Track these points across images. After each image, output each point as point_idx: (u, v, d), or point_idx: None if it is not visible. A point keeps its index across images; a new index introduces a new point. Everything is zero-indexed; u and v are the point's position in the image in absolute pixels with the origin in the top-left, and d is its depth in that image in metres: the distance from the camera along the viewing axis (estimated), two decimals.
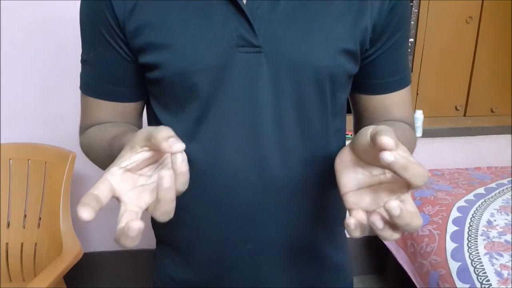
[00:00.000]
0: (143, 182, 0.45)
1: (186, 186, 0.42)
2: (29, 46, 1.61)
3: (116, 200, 0.43)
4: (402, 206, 0.40)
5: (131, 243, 0.39)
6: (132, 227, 0.38)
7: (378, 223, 0.42)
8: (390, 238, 0.43)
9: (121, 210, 0.42)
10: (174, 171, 0.40)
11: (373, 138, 0.42)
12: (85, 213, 0.38)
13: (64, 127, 1.68)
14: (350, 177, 0.48)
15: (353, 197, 0.47)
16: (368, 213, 0.45)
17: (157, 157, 0.45)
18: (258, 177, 0.61)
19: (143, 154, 0.43)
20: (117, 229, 0.40)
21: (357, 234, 0.44)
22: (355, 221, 0.43)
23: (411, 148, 0.66)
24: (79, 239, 1.46)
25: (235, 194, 0.61)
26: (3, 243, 1.52)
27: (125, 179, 0.43)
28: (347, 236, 0.77)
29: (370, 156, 0.46)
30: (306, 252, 0.69)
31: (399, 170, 0.40)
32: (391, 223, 0.42)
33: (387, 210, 0.40)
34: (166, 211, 0.41)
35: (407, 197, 0.44)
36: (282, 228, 0.65)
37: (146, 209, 0.44)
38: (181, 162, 0.40)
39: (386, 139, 0.40)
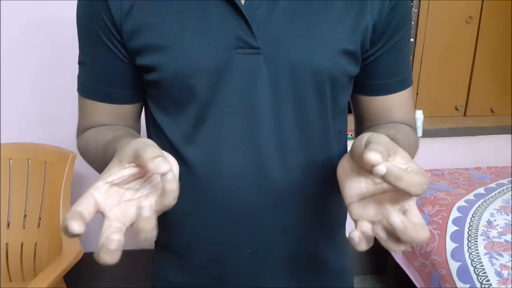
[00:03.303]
0: (129, 197, 0.44)
1: (174, 201, 0.42)
2: (28, 46, 1.61)
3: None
4: (406, 221, 0.40)
5: (110, 258, 0.38)
6: (112, 238, 0.38)
7: (382, 234, 0.42)
8: (396, 249, 0.42)
9: (104, 226, 0.41)
10: (164, 189, 0.40)
11: (363, 156, 0.41)
12: (77, 225, 0.37)
13: (64, 127, 1.68)
14: (353, 187, 0.48)
15: (358, 209, 0.47)
16: (374, 224, 0.45)
17: (145, 172, 0.44)
18: (257, 180, 0.60)
19: (130, 170, 0.43)
20: (98, 245, 0.39)
21: (362, 247, 0.44)
22: (359, 234, 0.43)
23: (412, 151, 0.66)
24: (79, 239, 1.46)
25: (234, 197, 0.61)
26: (3, 243, 1.52)
27: (110, 194, 0.42)
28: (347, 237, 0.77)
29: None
30: (306, 256, 0.68)
31: (394, 181, 0.39)
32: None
33: (391, 225, 0.40)
34: (147, 238, 0.41)
35: (411, 205, 0.44)
36: (282, 232, 0.64)
37: (131, 225, 0.43)
38: (171, 180, 0.40)
39: (373, 156, 0.39)
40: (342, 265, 0.74)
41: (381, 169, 0.39)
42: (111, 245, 0.38)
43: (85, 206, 0.40)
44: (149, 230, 0.40)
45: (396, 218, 0.40)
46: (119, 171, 0.43)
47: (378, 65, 0.64)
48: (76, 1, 0.61)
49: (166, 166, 0.39)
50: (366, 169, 0.46)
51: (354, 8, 0.58)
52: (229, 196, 0.61)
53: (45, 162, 1.52)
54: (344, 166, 0.50)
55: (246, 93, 0.57)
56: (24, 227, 1.53)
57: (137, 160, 0.41)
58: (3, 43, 1.60)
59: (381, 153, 0.40)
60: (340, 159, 0.53)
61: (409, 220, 0.41)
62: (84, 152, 0.66)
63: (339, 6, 0.57)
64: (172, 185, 0.40)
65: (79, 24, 0.62)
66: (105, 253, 0.38)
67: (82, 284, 1.89)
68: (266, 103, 0.58)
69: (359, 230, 0.44)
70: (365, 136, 0.46)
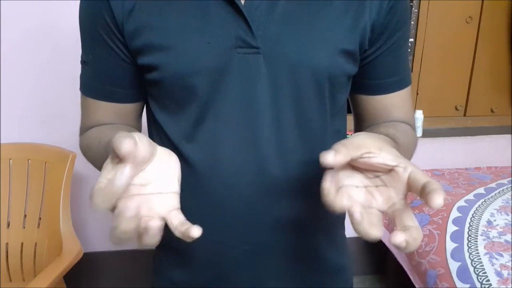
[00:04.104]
0: (135, 192, 0.44)
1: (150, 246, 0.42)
2: (29, 46, 1.61)
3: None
4: (408, 237, 0.40)
5: (120, 182, 0.40)
6: (151, 226, 0.40)
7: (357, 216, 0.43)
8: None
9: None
10: (142, 237, 0.41)
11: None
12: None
13: (64, 127, 1.68)
14: (346, 177, 0.48)
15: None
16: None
17: (138, 164, 0.44)
18: (256, 178, 0.60)
19: None
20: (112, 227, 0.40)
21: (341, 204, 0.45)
22: (360, 209, 0.43)
23: (411, 150, 0.66)
24: (79, 239, 1.46)
25: (234, 195, 0.61)
26: (3, 243, 1.52)
27: None
28: (347, 236, 0.77)
29: (359, 164, 0.45)
30: (305, 254, 0.68)
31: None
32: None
33: (394, 245, 0.40)
34: (147, 245, 0.42)
35: (405, 205, 0.44)
36: (281, 230, 0.64)
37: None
38: (152, 236, 0.41)
39: (323, 158, 0.43)
40: (341, 263, 0.74)
41: (439, 204, 0.40)
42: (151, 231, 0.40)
43: None
44: (152, 243, 0.42)
45: (399, 238, 0.40)
46: (112, 168, 0.42)
47: (377, 64, 0.64)
48: (78, 1, 0.62)
49: (126, 144, 0.39)
50: (358, 166, 0.47)
51: (352, 8, 0.58)
52: (228, 194, 0.61)
53: (45, 162, 1.52)
54: None
55: (246, 92, 0.58)
56: (24, 227, 1.53)
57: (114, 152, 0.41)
58: (4, 44, 1.60)
59: (337, 152, 0.42)
60: None
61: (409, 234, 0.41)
62: (86, 151, 0.66)
63: (338, 6, 0.58)
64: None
65: (81, 24, 0.62)
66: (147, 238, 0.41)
67: (82, 284, 1.89)
68: (265, 102, 0.58)
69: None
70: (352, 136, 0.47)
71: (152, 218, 0.41)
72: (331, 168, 0.50)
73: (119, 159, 0.41)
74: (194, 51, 0.56)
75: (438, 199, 0.38)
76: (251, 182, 0.61)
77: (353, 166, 0.47)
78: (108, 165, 0.43)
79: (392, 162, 0.44)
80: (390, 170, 0.45)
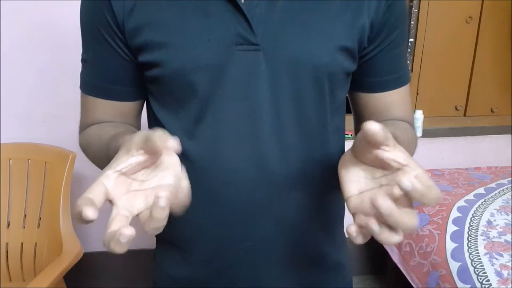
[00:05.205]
0: (136, 187, 0.44)
1: (158, 230, 0.42)
2: (29, 46, 1.62)
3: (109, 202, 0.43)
4: (392, 205, 0.40)
5: (120, 249, 0.39)
6: (124, 233, 0.38)
7: (374, 227, 0.42)
8: (391, 240, 0.42)
9: (113, 213, 0.42)
10: (151, 213, 0.41)
11: (363, 129, 0.41)
12: (90, 211, 0.37)
13: (64, 127, 1.68)
14: (353, 181, 0.48)
15: (355, 201, 0.47)
16: (369, 217, 0.45)
17: (152, 161, 0.45)
18: (257, 174, 0.61)
19: (138, 158, 0.43)
20: (107, 232, 0.40)
21: (359, 240, 0.44)
22: (356, 228, 0.43)
23: (412, 148, 0.67)
24: (79, 239, 1.46)
25: (234, 191, 0.62)
26: (3, 243, 1.52)
27: (119, 182, 0.43)
28: (347, 236, 0.77)
29: (370, 157, 0.45)
30: (304, 249, 0.69)
31: (419, 198, 0.40)
32: (389, 225, 0.42)
33: (377, 209, 0.40)
34: (156, 228, 0.41)
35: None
36: (281, 226, 0.65)
37: (137, 215, 0.44)
38: (162, 208, 0.40)
39: (372, 125, 0.40)
40: (340, 260, 0.74)
41: (406, 184, 0.40)
42: (122, 239, 0.38)
43: (96, 193, 0.40)
44: (162, 219, 0.41)
45: (381, 200, 0.40)
46: (127, 160, 0.43)
47: (375, 62, 0.65)
48: (78, 1, 0.62)
49: (174, 141, 0.40)
50: (367, 163, 0.47)
51: (351, 6, 0.59)
52: (228, 190, 0.62)
53: (45, 162, 1.52)
54: (345, 162, 0.50)
55: (246, 89, 0.58)
56: (24, 227, 1.53)
57: (147, 144, 0.42)
58: (4, 44, 1.60)
59: (381, 128, 0.41)
60: (338, 155, 0.54)
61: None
62: (86, 148, 0.67)
63: (337, 5, 0.59)
64: (159, 214, 0.40)
65: (82, 23, 0.63)
66: (116, 244, 0.39)
67: (82, 284, 1.89)
68: (265, 98, 0.59)
69: (356, 224, 0.44)
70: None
71: (125, 225, 0.40)
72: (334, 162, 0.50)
73: (142, 151, 0.43)
74: (194, 48, 0.57)
75: (404, 178, 0.40)
76: (251, 178, 0.61)
77: (361, 161, 0.47)
78: (122, 157, 0.43)
79: (403, 161, 0.44)
80: (397, 169, 0.44)
